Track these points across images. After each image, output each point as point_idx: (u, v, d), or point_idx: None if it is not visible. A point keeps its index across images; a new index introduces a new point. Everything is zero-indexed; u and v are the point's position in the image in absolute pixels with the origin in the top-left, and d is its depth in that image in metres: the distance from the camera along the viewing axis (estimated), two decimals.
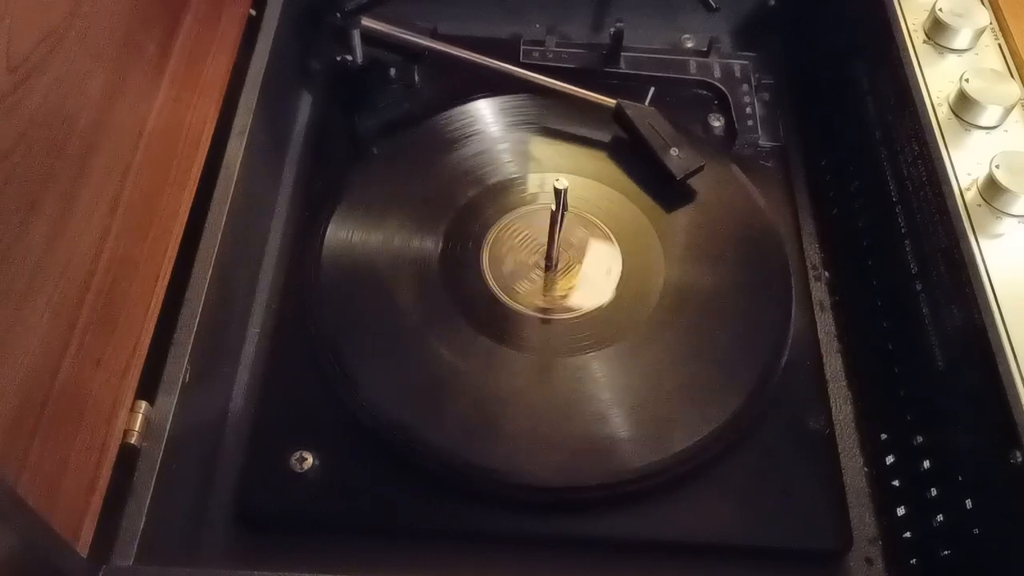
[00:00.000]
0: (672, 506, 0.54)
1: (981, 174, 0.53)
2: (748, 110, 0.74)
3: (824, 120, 0.73)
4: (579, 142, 0.70)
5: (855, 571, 0.54)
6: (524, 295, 0.61)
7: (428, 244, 0.63)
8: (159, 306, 0.51)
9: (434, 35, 0.75)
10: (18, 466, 0.41)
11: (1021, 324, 0.47)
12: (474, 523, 0.54)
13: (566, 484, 0.54)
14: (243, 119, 0.60)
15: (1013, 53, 0.60)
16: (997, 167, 0.52)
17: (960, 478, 0.50)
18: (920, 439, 0.54)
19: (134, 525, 0.45)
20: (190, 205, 0.55)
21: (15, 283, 0.42)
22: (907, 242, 0.57)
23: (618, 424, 0.56)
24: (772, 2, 0.83)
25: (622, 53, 0.76)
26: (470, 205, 0.65)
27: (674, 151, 0.67)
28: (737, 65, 0.77)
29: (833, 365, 0.63)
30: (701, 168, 0.67)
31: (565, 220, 0.60)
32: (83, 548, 0.43)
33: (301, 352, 0.59)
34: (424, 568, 0.51)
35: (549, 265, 0.62)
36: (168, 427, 0.48)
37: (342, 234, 0.63)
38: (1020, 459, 0.44)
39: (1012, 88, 0.57)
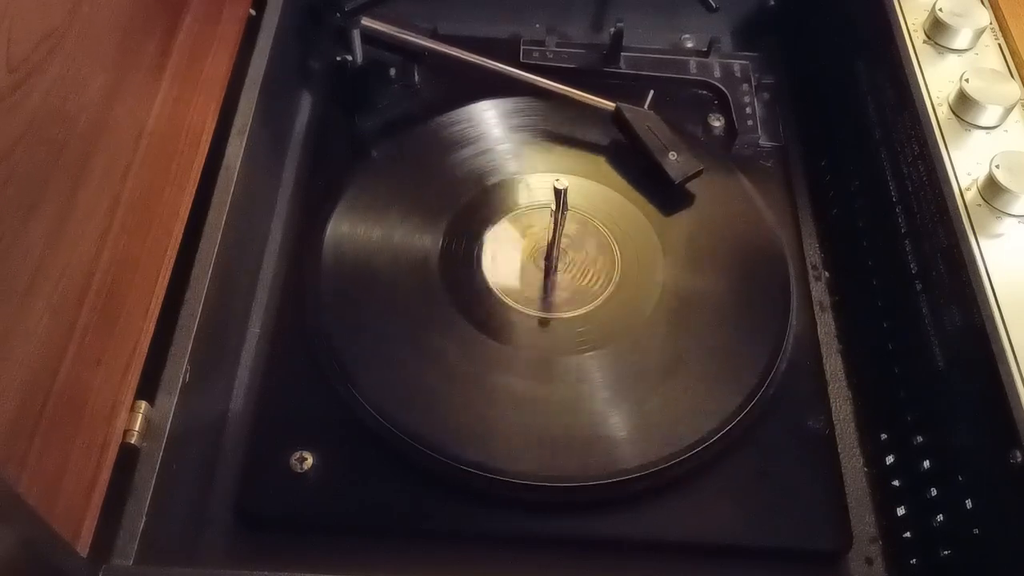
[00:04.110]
0: (672, 506, 0.54)
1: (981, 174, 0.53)
2: (748, 110, 0.74)
3: (824, 120, 0.73)
4: (579, 144, 0.70)
5: (855, 571, 0.54)
6: (524, 295, 0.61)
7: (428, 244, 0.63)
8: (159, 306, 0.51)
9: (434, 35, 0.75)
10: (18, 466, 0.41)
11: (1021, 324, 0.47)
12: (474, 523, 0.54)
13: (566, 484, 0.53)
14: (243, 118, 0.60)
15: (1013, 53, 0.60)
16: (997, 167, 0.52)
17: (960, 478, 0.50)
18: (920, 439, 0.54)
19: (134, 525, 0.45)
20: (190, 205, 0.55)
21: (15, 283, 0.42)
22: (907, 242, 0.58)
23: (618, 424, 0.56)
24: (772, 2, 0.83)
25: (622, 53, 0.76)
26: (470, 205, 0.65)
27: (672, 155, 0.67)
28: (737, 65, 0.77)
29: (833, 365, 0.63)
30: (700, 172, 0.67)
31: (565, 221, 0.60)
32: (83, 548, 0.43)
33: (301, 352, 0.59)
34: (424, 568, 0.51)
35: (549, 265, 0.62)
36: (168, 427, 0.48)
37: (342, 234, 0.63)
38: (1020, 459, 0.44)
39: (1012, 88, 0.57)
